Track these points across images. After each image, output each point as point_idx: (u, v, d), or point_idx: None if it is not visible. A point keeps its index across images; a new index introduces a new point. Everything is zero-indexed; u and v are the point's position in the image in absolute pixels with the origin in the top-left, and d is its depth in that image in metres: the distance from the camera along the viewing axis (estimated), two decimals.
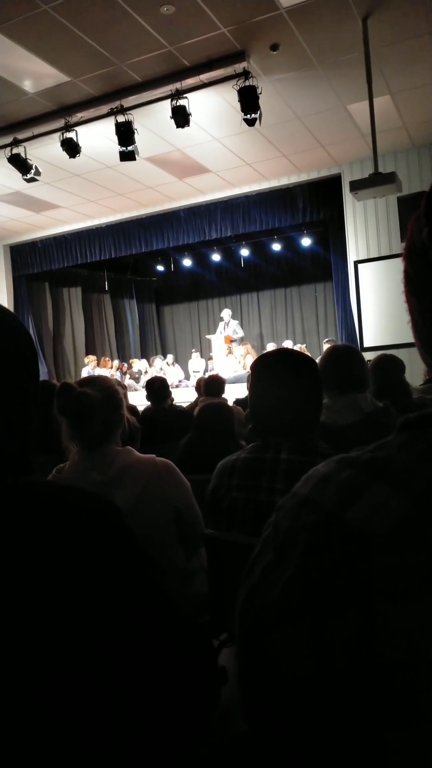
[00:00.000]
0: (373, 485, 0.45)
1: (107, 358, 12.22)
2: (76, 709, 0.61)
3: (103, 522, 0.70)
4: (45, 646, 0.60)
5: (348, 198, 8.26)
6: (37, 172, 6.99)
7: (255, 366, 1.73)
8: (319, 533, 0.46)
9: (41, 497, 0.68)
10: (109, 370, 11.50)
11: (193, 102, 5.97)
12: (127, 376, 11.86)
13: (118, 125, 6.18)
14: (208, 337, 12.09)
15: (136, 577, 0.71)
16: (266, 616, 0.47)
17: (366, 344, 8.07)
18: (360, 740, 0.39)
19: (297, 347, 10.60)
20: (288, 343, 11.68)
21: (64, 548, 0.64)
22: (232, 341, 11.42)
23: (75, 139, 6.47)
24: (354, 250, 8.51)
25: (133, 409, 3.64)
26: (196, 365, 12.22)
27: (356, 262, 8.36)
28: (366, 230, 8.44)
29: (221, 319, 11.96)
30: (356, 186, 5.42)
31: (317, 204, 9.03)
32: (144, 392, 4.71)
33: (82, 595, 0.63)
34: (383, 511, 0.43)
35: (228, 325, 11.67)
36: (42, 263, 11.19)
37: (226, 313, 11.95)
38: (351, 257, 8.53)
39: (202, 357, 12.85)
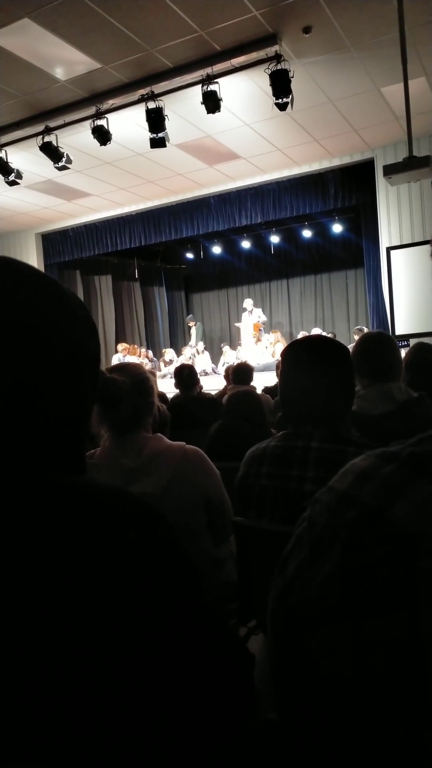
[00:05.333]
0: (414, 482, 0.43)
1: (135, 346, 12.28)
2: (111, 714, 0.56)
3: (146, 531, 0.64)
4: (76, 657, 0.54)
5: (381, 183, 8.11)
6: (69, 160, 7.02)
7: (285, 353, 1.71)
8: (359, 531, 0.44)
9: (84, 499, 0.62)
10: (138, 357, 11.56)
11: (224, 87, 5.90)
12: (162, 364, 11.91)
13: (148, 112, 6.16)
14: (237, 325, 12.01)
15: (176, 593, 0.63)
16: (302, 614, 0.45)
17: (398, 332, 7.94)
18: (398, 738, 0.38)
19: (327, 335, 10.44)
20: (317, 331, 11.55)
21: (99, 554, 0.58)
22: (259, 329, 11.34)
23: (106, 126, 6.48)
24: (387, 236, 8.36)
25: (162, 397, 3.65)
26: (229, 358, 11.96)
27: (389, 249, 8.20)
28: (399, 216, 8.28)
29: (244, 309, 11.84)
30: (390, 170, 5.30)
31: (349, 189, 8.89)
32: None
33: (109, 600, 0.57)
34: (427, 509, 0.41)
35: (251, 313, 11.57)
36: (73, 251, 11.26)
37: (248, 303, 11.79)
38: (383, 243, 8.37)
39: (233, 349, 12.63)
